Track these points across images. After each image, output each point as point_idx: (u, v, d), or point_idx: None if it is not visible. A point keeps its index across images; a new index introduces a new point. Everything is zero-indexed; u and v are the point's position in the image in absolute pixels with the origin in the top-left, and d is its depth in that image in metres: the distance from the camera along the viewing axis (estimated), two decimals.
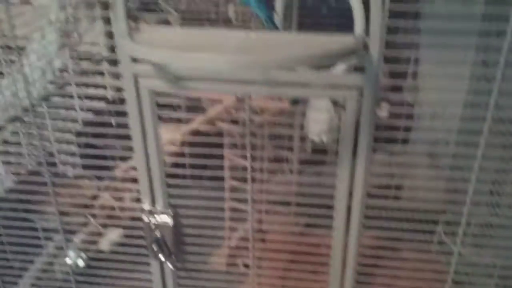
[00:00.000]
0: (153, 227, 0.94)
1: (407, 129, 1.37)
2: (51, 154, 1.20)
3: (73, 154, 1.35)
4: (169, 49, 0.62)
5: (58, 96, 1.24)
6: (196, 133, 1.24)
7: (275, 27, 0.99)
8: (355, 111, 0.79)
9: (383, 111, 0.80)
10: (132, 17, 0.80)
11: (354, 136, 0.82)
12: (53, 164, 1.30)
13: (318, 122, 1.31)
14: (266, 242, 1.27)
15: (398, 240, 1.02)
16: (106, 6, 1.47)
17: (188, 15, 1.62)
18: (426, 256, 1.13)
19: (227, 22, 1.63)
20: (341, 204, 0.89)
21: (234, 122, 1.25)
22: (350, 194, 0.88)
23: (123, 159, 1.23)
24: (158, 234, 0.94)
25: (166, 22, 1.56)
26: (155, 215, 0.93)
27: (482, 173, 0.96)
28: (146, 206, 0.94)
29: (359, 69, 0.76)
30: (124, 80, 0.80)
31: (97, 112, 1.49)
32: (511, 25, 0.78)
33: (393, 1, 0.73)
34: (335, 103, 1.21)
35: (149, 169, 0.89)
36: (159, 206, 0.93)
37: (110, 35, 1.55)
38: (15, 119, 1.14)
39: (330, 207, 0.91)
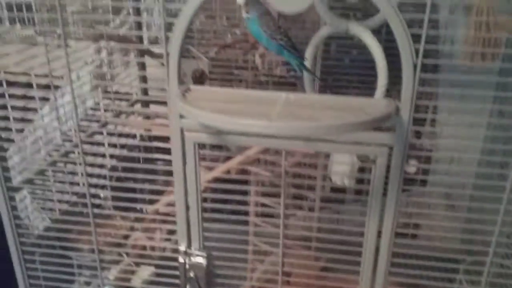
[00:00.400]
0: (187, 267, 0.99)
1: (425, 172, 1.43)
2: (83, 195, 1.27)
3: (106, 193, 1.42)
4: (219, 114, 0.68)
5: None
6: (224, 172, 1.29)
7: (306, 70, 1.05)
8: (385, 166, 0.85)
9: (411, 168, 0.86)
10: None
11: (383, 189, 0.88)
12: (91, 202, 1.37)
13: (340, 165, 1.36)
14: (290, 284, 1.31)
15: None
16: (142, 53, 1.57)
17: (217, 61, 1.71)
18: None
19: (253, 69, 1.72)
20: (369, 255, 0.93)
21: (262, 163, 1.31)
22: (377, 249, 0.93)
23: (153, 200, 1.30)
24: (192, 274, 0.99)
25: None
26: (191, 256, 0.98)
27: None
28: (182, 247, 0.99)
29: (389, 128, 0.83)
30: (171, 132, 0.87)
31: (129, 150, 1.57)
32: None
33: (423, 71, 0.79)
34: None
35: (187, 213, 0.95)
36: (194, 247, 0.98)
37: (144, 79, 1.64)
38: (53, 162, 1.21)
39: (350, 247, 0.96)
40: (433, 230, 1.37)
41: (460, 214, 1.53)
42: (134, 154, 1.30)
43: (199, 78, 1.35)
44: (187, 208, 0.95)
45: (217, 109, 0.75)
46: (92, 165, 1.36)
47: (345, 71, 1.64)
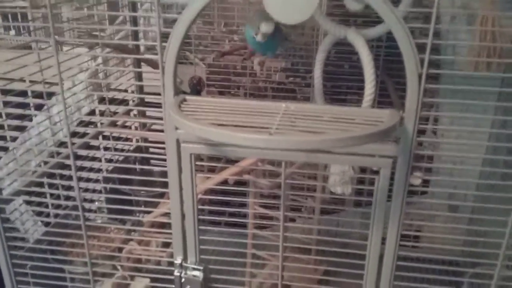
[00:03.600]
0: (183, 281, 0.96)
1: (426, 181, 1.41)
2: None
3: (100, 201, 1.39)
4: (216, 127, 0.65)
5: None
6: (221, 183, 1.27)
7: None
8: (389, 178, 0.82)
9: (416, 179, 0.83)
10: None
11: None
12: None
13: (334, 173, 1.34)
14: None
15: None
16: (139, 63, 1.55)
17: (215, 68, 1.68)
18: None
19: (252, 75, 1.69)
20: (372, 270, 0.90)
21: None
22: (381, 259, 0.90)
23: (149, 211, 1.27)
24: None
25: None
26: (187, 270, 0.95)
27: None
28: (178, 260, 0.96)
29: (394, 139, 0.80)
30: (167, 144, 0.84)
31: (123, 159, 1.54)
32: None
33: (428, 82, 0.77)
34: None
35: (183, 227, 0.92)
36: (190, 260, 0.95)
37: (140, 79, 1.61)
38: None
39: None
40: (435, 235, 1.35)
41: (462, 226, 1.52)
42: (129, 165, 1.27)
43: (196, 85, 1.33)
44: (183, 220, 0.92)
45: (214, 121, 0.72)
46: (85, 171, 1.34)
47: (344, 77, 1.62)
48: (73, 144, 0.96)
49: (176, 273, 0.95)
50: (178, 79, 1.31)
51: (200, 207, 1.22)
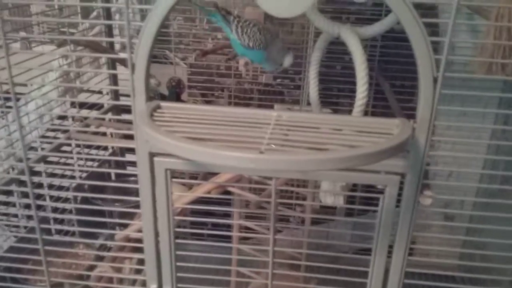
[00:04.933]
0: None
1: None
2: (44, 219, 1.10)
3: (70, 217, 1.26)
4: (194, 144, 0.53)
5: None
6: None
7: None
8: (395, 197, 0.71)
9: (427, 200, 0.72)
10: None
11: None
12: (48, 230, 1.20)
13: (330, 185, 1.23)
14: None
15: None
16: (113, 64, 1.41)
17: (197, 68, 1.56)
18: None
19: (237, 76, 1.57)
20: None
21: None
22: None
23: (124, 225, 1.14)
24: None
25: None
26: None
27: None
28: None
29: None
30: (138, 157, 0.72)
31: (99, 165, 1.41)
32: None
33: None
34: None
35: (157, 251, 0.80)
36: None
37: (115, 80, 1.47)
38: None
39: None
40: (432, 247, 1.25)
41: (459, 237, 1.43)
42: (95, 183, 1.14)
43: (176, 87, 1.20)
44: (157, 243, 0.80)
45: (192, 134, 0.60)
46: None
47: (336, 79, 1.51)
48: (28, 159, 0.83)
49: None
50: (155, 81, 1.19)
51: (180, 217, 1.11)
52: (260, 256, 1.09)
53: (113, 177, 1.50)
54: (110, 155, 1.51)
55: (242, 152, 0.50)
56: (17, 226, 1.09)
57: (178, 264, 0.82)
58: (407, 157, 0.68)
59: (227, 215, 1.31)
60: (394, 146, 0.53)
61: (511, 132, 1.30)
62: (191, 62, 1.56)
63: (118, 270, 1.11)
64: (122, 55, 1.31)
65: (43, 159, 1.01)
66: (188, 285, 0.86)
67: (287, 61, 0.84)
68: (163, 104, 0.70)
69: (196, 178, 1.20)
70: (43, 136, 1.42)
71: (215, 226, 1.58)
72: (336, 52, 1.42)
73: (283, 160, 0.49)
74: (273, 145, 0.57)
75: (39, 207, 0.96)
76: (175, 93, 1.19)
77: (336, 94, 1.55)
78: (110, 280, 1.10)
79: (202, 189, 1.09)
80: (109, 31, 1.41)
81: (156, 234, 0.79)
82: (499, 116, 1.38)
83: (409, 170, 0.69)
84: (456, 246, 1.55)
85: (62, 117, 1.51)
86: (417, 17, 0.59)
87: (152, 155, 0.72)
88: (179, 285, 0.85)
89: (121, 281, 1.09)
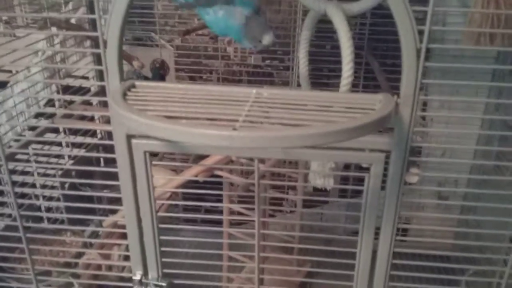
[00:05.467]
0: None
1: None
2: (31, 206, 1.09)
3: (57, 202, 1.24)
4: (165, 122, 0.51)
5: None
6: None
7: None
8: (381, 176, 0.69)
9: (413, 177, 0.70)
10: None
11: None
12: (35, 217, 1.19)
13: (320, 166, 1.22)
14: None
15: None
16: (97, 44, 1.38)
17: (184, 49, 1.53)
18: None
19: (225, 58, 1.54)
20: (362, 273, 0.78)
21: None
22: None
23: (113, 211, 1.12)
24: None
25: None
26: (147, 287, 0.82)
27: None
28: (137, 276, 0.82)
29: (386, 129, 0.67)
30: (115, 140, 0.70)
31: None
32: None
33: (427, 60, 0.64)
34: None
35: (141, 237, 0.78)
36: (152, 276, 0.82)
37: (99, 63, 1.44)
38: None
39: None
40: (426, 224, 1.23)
41: (453, 216, 1.41)
42: (84, 167, 1.12)
43: (159, 69, 1.18)
44: (140, 229, 0.78)
45: (165, 112, 0.58)
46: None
47: (326, 59, 1.48)
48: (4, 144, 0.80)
49: None
50: (138, 63, 1.16)
51: (168, 202, 1.09)
52: (251, 240, 1.08)
53: (102, 162, 1.48)
54: (100, 140, 1.48)
55: (214, 130, 0.48)
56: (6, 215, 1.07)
57: (163, 249, 0.81)
58: (391, 134, 0.66)
59: (219, 199, 1.29)
60: (372, 121, 0.51)
61: (504, 106, 1.28)
62: (177, 44, 1.53)
63: (107, 257, 1.09)
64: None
65: (26, 145, 0.98)
66: (177, 270, 0.84)
67: (267, 39, 0.81)
68: (138, 83, 0.67)
69: (187, 162, 1.18)
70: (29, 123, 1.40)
71: (208, 211, 1.57)
72: (326, 31, 1.39)
73: (257, 137, 0.47)
74: (249, 122, 0.55)
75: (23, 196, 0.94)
76: (159, 75, 1.16)
77: (326, 75, 1.52)
78: (98, 267, 1.08)
79: (189, 173, 1.07)
80: (91, 12, 1.37)
81: (139, 219, 0.77)
82: (493, 90, 1.36)
83: (394, 147, 0.66)
84: (450, 225, 1.54)
85: (48, 102, 1.48)
86: None
87: (129, 137, 0.69)
88: (166, 270, 0.83)
89: (109, 268, 1.08)
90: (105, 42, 0.64)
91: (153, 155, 0.73)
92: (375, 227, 0.74)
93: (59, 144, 1.38)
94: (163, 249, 0.80)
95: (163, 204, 1.05)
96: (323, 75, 1.51)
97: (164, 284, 0.81)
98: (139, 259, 0.81)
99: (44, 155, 1.20)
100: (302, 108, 0.61)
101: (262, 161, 1.07)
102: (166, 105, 0.61)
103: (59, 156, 1.40)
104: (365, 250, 0.76)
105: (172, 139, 0.53)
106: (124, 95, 0.62)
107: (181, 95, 0.65)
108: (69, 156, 1.34)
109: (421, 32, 0.60)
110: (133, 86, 0.66)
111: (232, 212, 1.24)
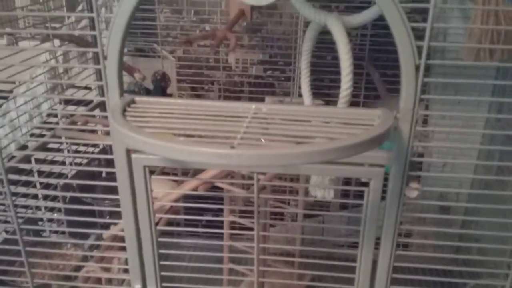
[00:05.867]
0: None
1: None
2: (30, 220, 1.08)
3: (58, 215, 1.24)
4: (161, 140, 0.51)
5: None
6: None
7: None
8: (380, 190, 0.69)
9: (413, 192, 0.70)
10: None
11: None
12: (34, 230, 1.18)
13: (319, 177, 1.21)
14: None
15: None
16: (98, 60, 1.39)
17: (185, 60, 1.53)
18: None
19: (226, 69, 1.55)
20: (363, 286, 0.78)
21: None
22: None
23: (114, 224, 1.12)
24: None
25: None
26: None
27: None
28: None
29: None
30: (115, 154, 0.70)
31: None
32: None
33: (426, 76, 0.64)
34: None
35: (140, 251, 0.78)
36: None
37: (101, 76, 1.45)
38: None
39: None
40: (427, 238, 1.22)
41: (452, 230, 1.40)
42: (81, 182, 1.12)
43: (160, 81, 1.18)
44: (139, 242, 0.78)
45: (165, 129, 0.58)
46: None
47: (327, 69, 1.48)
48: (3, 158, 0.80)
49: None
50: (139, 75, 1.16)
51: (166, 216, 1.09)
52: (251, 253, 1.08)
53: (104, 173, 1.48)
54: (100, 152, 1.49)
55: (211, 148, 0.48)
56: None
57: (162, 263, 0.81)
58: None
59: (220, 213, 1.28)
60: (372, 138, 0.51)
61: (505, 121, 1.28)
62: (179, 55, 1.54)
63: (106, 269, 1.09)
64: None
65: (26, 158, 0.98)
66: (176, 284, 0.84)
67: None
68: (139, 99, 0.67)
69: (187, 174, 1.18)
70: (31, 134, 1.40)
71: (209, 224, 1.57)
72: (327, 42, 1.39)
73: (254, 155, 0.47)
74: (248, 139, 0.55)
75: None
76: (160, 87, 1.17)
77: (327, 85, 1.52)
78: (98, 280, 1.08)
79: (188, 186, 1.07)
80: (92, 25, 1.38)
81: (138, 233, 0.77)
82: (493, 105, 1.36)
83: (393, 162, 0.66)
84: (452, 239, 1.53)
85: (50, 114, 1.49)
86: (395, 1, 0.56)
87: (129, 151, 0.69)
88: (165, 284, 0.83)
89: (109, 281, 1.08)
90: (105, 57, 0.64)
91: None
92: (375, 237, 0.74)
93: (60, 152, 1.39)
94: (162, 262, 0.80)
95: (161, 218, 1.05)
96: (324, 85, 1.51)
97: None
98: (138, 272, 0.80)
99: (44, 168, 1.21)
100: (301, 124, 0.61)
101: (262, 173, 1.07)
102: (165, 121, 0.61)
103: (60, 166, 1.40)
104: (365, 264, 0.76)
105: (169, 157, 0.53)
106: (124, 110, 0.63)
107: (181, 110, 0.66)
108: (70, 166, 1.35)
109: (420, 48, 0.60)
110: (133, 101, 0.66)
111: (233, 225, 1.24)
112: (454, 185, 1.45)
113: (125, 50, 1.45)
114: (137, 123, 0.59)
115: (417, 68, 0.61)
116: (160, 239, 0.78)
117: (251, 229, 0.91)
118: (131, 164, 0.70)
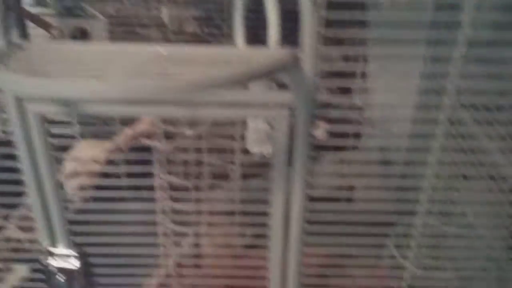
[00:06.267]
0: (55, 270, 0.79)
1: (357, 135, 1.28)
2: None
3: None
4: (39, 78, 0.48)
5: None
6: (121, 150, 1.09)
7: None
8: (287, 131, 0.68)
9: (320, 132, 0.69)
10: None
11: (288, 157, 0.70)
12: None
13: (255, 132, 1.19)
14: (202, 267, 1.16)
15: (346, 256, 0.95)
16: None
17: (117, 20, 1.46)
18: (376, 272, 1.04)
19: (161, 27, 1.49)
20: (277, 227, 0.77)
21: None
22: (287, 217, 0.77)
23: None
24: (61, 278, 0.79)
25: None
26: (56, 257, 0.78)
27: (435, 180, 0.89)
28: (45, 246, 0.79)
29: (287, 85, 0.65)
30: (6, 105, 0.66)
31: None
32: None
33: (330, 8, 0.62)
34: None
35: (45, 206, 0.74)
36: (61, 246, 0.78)
37: None
38: None
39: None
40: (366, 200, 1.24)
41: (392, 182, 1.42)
42: None
43: (80, 39, 1.12)
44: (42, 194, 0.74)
45: (48, 71, 0.54)
46: None
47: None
48: None
49: (43, 262, 0.78)
50: (57, 31, 1.10)
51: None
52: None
53: None
54: None
55: (80, 82, 0.45)
56: None
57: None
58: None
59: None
60: (244, 72, 0.49)
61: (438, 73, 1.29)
62: (111, 14, 1.47)
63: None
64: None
65: None
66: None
67: None
68: (29, 45, 0.63)
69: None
70: None
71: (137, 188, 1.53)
72: None
73: (133, 86, 0.44)
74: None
75: None
76: None
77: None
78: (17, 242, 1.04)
79: (113, 143, 1.04)
80: None
81: (42, 193, 0.73)
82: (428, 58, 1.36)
83: (297, 103, 0.65)
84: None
85: None
86: None
87: (20, 100, 0.65)
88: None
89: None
90: None
91: None
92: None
93: None
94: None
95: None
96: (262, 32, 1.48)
97: (75, 253, 0.78)
98: (44, 228, 0.77)
99: None
100: (195, 63, 0.58)
101: (191, 126, 1.04)
102: (55, 65, 0.58)
103: None
104: (277, 207, 0.74)
105: (41, 94, 0.50)
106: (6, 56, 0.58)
107: (77, 55, 0.62)
108: None
109: None
110: (21, 46, 0.62)
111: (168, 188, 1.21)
112: (394, 139, 1.46)
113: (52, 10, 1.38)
114: (22, 67, 0.56)
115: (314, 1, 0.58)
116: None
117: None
118: (24, 115, 0.66)
